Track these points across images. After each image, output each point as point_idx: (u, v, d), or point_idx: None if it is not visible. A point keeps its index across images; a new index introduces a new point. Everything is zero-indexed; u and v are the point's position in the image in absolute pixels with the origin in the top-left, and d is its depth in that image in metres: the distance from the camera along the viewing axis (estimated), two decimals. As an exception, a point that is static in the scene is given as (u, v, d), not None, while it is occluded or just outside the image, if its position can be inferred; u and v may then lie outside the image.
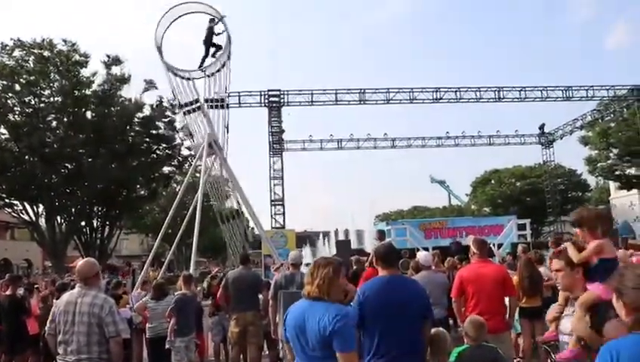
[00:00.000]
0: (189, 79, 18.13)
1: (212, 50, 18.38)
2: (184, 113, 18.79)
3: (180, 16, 18.56)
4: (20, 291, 9.78)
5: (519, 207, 48.46)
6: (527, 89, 33.41)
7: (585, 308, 3.62)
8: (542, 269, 8.67)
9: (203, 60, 18.47)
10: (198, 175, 21.62)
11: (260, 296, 8.57)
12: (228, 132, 18.98)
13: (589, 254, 3.73)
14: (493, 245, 17.77)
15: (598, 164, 43.02)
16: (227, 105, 19.54)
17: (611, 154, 41.94)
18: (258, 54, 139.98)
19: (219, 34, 18.32)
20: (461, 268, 7.65)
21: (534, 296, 8.11)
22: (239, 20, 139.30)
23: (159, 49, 17.87)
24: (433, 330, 4.56)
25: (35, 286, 12.31)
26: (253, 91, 32.73)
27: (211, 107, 18.50)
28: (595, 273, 3.68)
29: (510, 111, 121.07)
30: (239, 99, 32.41)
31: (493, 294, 6.11)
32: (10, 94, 30.99)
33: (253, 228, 31.01)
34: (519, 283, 7.94)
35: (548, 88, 33.35)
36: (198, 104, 18.12)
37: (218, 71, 18.28)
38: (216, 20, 18.15)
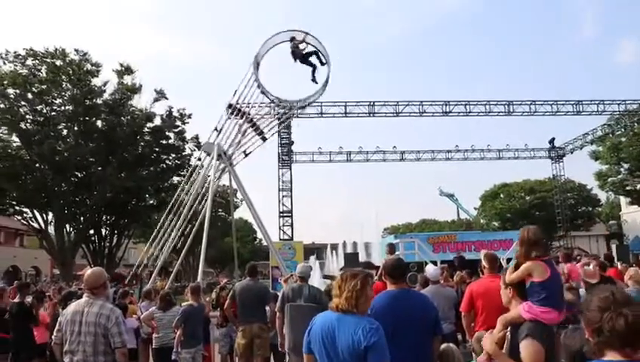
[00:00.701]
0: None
1: (314, 59, 18.55)
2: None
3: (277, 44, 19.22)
4: (29, 299, 9.77)
5: (528, 222, 48.04)
6: (537, 103, 33.26)
7: (503, 324, 3.77)
8: None
9: (313, 75, 18.71)
10: (207, 185, 21.66)
11: (267, 308, 8.53)
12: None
13: (517, 277, 3.82)
14: (502, 259, 17.63)
15: (609, 179, 42.73)
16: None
17: (622, 169, 41.68)
18: (268, 65, 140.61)
19: (306, 53, 18.42)
20: (471, 283, 7.57)
21: None
22: (249, 31, 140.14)
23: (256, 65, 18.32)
24: (443, 346, 4.52)
25: (47, 294, 12.33)
26: (263, 101, 32.80)
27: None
28: (529, 294, 3.75)
29: (520, 125, 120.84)
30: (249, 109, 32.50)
31: (501, 309, 6.04)
32: (22, 102, 31.27)
33: (261, 240, 31.01)
34: None
35: (558, 102, 33.19)
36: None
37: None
38: (299, 39, 18.27)
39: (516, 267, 3.84)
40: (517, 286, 3.81)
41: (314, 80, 18.97)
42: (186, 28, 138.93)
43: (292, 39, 18.44)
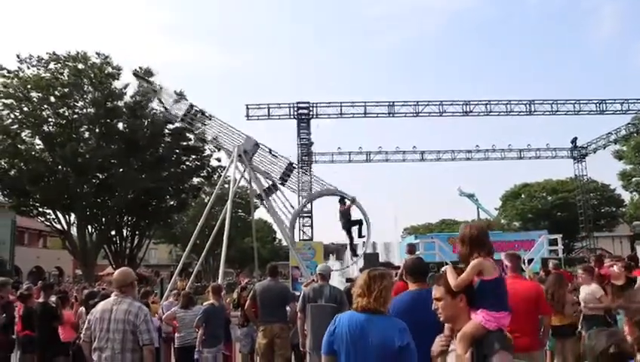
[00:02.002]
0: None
1: (355, 230, 18.64)
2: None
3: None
4: (52, 299, 9.91)
5: (550, 222, 47.73)
6: (559, 102, 32.99)
7: (466, 341, 3.16)
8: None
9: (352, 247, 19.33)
10: (227, 186, 21.76)
11: (288, 308, 8.55)
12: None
13: (468, 276, 3.23)
14: (524, 261, 17.48)
15: (633, 179, 42.18)
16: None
17: (647, 169, 41.10)
18: (288, 66, 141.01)
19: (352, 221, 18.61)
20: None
21: (560, 314, 7.86)
22: (270, 30, 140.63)
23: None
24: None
25: (75, 295, 12.50)
26: (283, 103, 32.95)
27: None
28: (479, 298, 3.23)
29: (541, 125, 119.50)
30: (268, 111, 32.64)
31: (525, 311, 5.98)
32: (45, 106, 31.72)
33: (281, 240, 31.08)
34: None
35: (581, 101, 32.88)
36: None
37: None
38: (348, 202, 18.46)
39: (458, 272, 3.28)
40: (466, 292, 3.25)
41: (353, 251, 19.34)
42: (200, 36, 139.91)
43: (341, 200, 18.54)
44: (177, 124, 35.12)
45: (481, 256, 3.26)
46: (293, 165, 18.86)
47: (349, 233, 18.65)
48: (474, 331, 3.13)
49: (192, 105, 19.43)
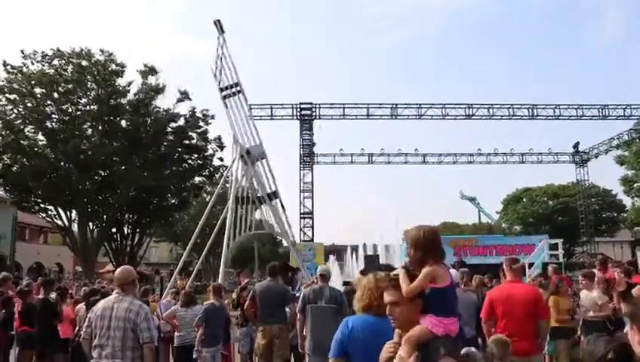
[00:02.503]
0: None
1: None
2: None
3: None
4: (52, 295, 9.92)
5: (551, 227, 47.67)
6: (561, 107, 33.00)
7: (411, 344, 3.05)
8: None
9: None
10: (228, 185, 21.77)
11: (287, 309, 8.55)
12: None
13: (421, 284, 3.10)
14: (523, 264, 17.46)
15: (635, 185, 42.13)
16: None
17: (648, 175, 41.06)
18: (290, 67, 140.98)
19: None
20: (492, 288, 7.53)
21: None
22: (273, 32, 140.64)
23: None
24: (464, 350, 4.49)
25: (70, 292, 12.50)
26: (286, 104, 33.00)
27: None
28: (429, 304, 3.10)
29: (544, 129, 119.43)
30: (271, 111, 32.69)
31: (524, 315, 5.99)
32: (48, 102, 31.79)
33: (281, 241, 31.07)
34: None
35: (583, 106, 32.90)
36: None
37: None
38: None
39: (411, 277, 3.13)
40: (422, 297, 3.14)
41: None
42: (208, 31, 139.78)
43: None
44: (180, 123, 35.33)
45: (435, 262, 3.14)
46: (277, 193, 18.64)
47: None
48: (421, 335, 3.04)
49: None
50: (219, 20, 18.29)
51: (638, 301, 2.06)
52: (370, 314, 3.50)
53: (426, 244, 3.19)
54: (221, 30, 18.31)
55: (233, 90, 17.98)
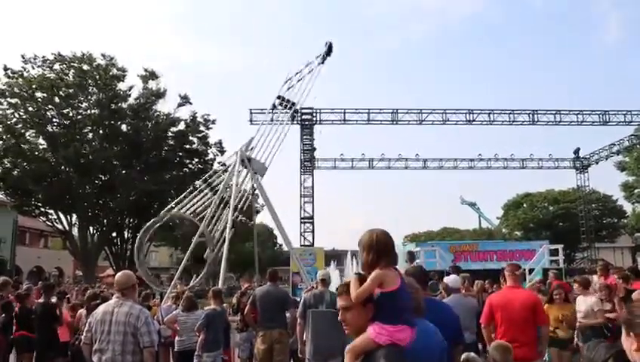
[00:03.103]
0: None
1: None
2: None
3: None
4: (53, 299, 9.92)
5: (552, 232, 47.66)
6: (562, 112, 33.01)
7: (352, 354, 3.01)
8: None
9: None
10: (228, 190, 21.77)
11: (288, 314, 8.55)
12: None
13: (368, 288, 3.04)
14: (523, 271, 17.44)
15: (635, 190, 42.14)
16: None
17: (649, 181, 41.09)
18: (287, 70, 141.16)
19: None
20: (492, 294, 7.53)
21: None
22: (272, 35, 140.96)
23: None
24: (464, 355, 4.50)
25: (67, 296, 12.47)
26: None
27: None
28: (377, 310, 3.06)
29: (544, 135, 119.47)
30: (272, 115, 32.67)
31: (523, 321, 6.00)
32: (49, 106, 31.82)
33: (281, 245, 31.07)
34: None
35: (584, 112, 32.92)
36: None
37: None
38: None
39: (361, 281, 3.08)
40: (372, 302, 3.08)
41: None
42: (209, 33, 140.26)
43: None
44: (181, 127, 35.34)
45: (386, 265, 3.08)
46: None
47: None
48: (363, 345, 2.97)
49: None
50: (331, 43, 18.58)
51: (633, 308, 2.01)
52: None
53: (378, 248, 3.14)
54: (328, 53, 18.65)
55: (287, 108, 18.47)
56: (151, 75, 34.18)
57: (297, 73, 19.04)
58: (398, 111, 32.73)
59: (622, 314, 2.09)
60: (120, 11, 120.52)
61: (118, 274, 5.50)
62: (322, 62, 18.84)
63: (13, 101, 31.08)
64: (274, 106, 19.03)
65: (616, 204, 53.32)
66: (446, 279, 8.84)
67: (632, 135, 35.12)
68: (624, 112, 32.52)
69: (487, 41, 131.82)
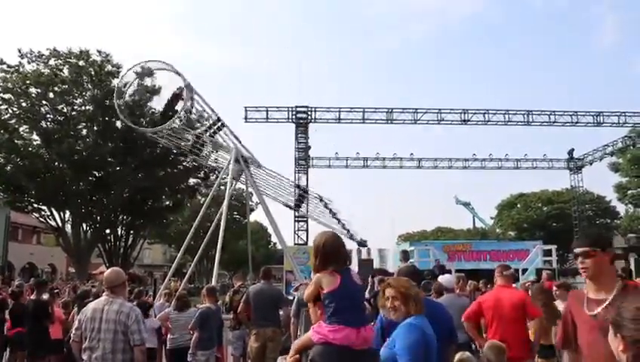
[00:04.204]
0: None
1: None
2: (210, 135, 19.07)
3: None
4: (45, 296, 9.87)
5: (545, 232, 47.79)
6: (556, 113, 33.09)
7: (294, 350, 3.30)
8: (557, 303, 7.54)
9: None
10: (223, 188, 21.74)
11: (281, 312, 8.53)
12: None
13: (311, 291, 3.32)
14: (516, 271, 17.48)
15: (629, 192, 42.30)
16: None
17: (643, 182, 41.25)
18: (286, 70, 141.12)
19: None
20: (483, 294, 7.51)
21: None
22: (268, 35, 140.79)
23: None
24: (458, 355, 4.49)
25: (56, 291, 12.41)
26: (281, 107, 32.94)
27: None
28: (325, 309, 3.26)
29: (538, 135, 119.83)
30: (267, 114, 32.65)
31: (513, 320, 6.00)
32: (43, 102, 31.67)
33: (275, 244, 31.04)
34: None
35: (578, 113, 33.00)
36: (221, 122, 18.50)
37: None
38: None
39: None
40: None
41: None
42: (204, 31, 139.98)
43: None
44: (175, 125, 35.22)
45: (328, 268, 3.24)
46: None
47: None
48: (303, 342, 3.23)
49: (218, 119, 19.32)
50: None
51: (621, 309, 1.99)
52: (410, 315, 3.36)
53: (324, 252, 3.32)
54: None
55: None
56: (147, 72, 34.01)
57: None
58: (393, 110, 32.74)
59: (610, 315, 2.08)
60: (120, 10, 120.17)
61: (107, 271, 5.48)
62: None
63: (6, 97, 30.92)
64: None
65: (610, 205, 53.56)
66: (441, 278, 8.83)
67: (625, 136, 35.23)
68: (618, 114, 32.64)
69: (484, 42, 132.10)
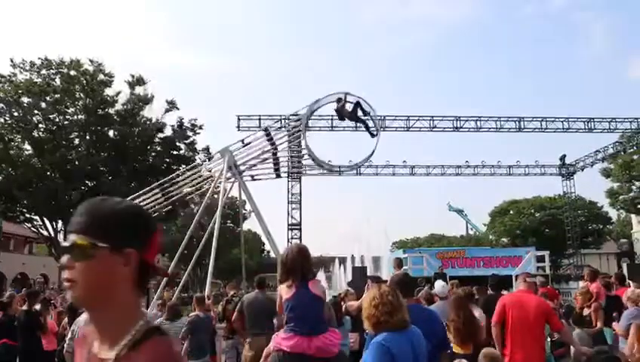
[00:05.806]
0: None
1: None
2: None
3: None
4: (37, 306, 9.80)
5: (538, 239, 47.88)
6: (548, 119, 33.22)
7: (264, 355, 3.53)
8: (476, 312, 7.11)
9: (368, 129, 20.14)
10: (216, 196, 21.71)
11: (275, 321, 8.51)
12: None
13: (278, 301, 3.60)
14: (509, 277, 17.51)
15: (620, 197, 42.46)
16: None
17: (634, 187, 41.45)
18: (278, 77, 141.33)
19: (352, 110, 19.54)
20: (504, 296, 7.15)
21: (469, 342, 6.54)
22: (260, 43, 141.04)
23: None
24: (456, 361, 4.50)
25: (52, 301, 12.33)
26: (274, 115, 32.92)
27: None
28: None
29: (530, 142, 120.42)
30: (259, 122, 32.61)
31: (535, 324, 5.95)
32: (35, 111, 31.57)
33: (269, 252, 30.99)
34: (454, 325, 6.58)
35: (569, 119, 33.15)
36: None
37: None
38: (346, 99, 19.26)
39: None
40: None
41: (371, 134, 19.80)
42: (196, 39, 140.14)
43: (338, 100, 19.20)
44: (168, 133, 35.18)
45: (288, 280, 3.50)
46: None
47: (357, 118, 19.99)
48: (267, 349, 3.53)
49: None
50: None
51: None
52: (401, 327, 3.32)
53: (287, 265, 3.62)
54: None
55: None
56: (138, 81, 34.04)
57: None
58: (386, 117, 32.77)
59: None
60: (108, 18, 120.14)
61: None
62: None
63: (-2, 106, 30.83)
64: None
65: (602, 210, 53.77)
66: (436, 285, 8.85)
67: (616, 142, 35.42)
68: (609, 119, 32.82)
69: (476, 50, 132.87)
